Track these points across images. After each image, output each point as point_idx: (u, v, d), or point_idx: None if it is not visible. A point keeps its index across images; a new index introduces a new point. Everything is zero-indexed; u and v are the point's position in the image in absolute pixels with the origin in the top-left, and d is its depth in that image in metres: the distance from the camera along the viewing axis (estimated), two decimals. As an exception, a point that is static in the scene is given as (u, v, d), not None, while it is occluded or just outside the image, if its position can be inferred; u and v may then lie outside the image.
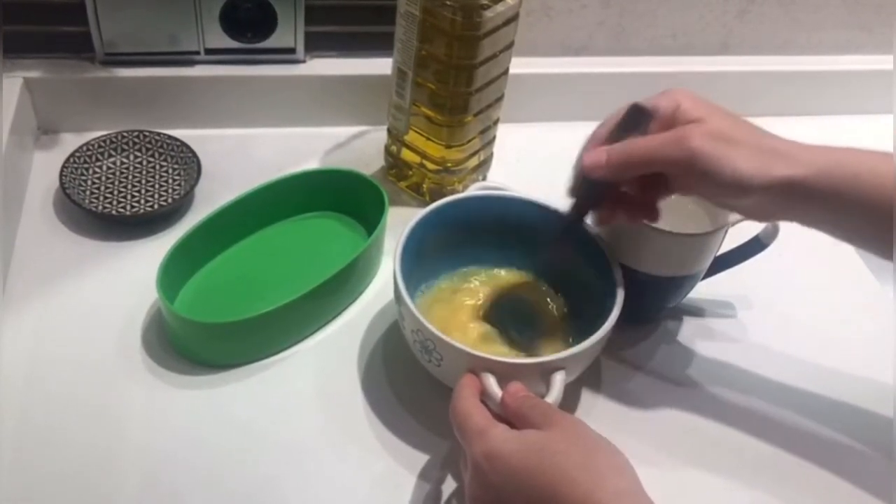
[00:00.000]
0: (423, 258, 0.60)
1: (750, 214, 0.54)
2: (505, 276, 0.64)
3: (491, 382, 0.51)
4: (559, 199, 0.61)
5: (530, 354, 0.59)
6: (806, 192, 0.49)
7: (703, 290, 0.66)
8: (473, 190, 0.63)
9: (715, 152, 0.49)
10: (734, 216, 0.59)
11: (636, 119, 0.52)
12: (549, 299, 0.64)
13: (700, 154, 0.49)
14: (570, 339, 0.60)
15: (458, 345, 0.52)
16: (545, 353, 0.59)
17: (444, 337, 0.52)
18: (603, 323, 0.54)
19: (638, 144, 0.51)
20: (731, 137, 0.49)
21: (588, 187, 0.54)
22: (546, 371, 0.52)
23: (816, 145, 0.51)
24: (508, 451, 0.45)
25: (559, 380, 0.52)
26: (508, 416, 0.49)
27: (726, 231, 0.60)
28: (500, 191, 0.63)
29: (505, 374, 0.51)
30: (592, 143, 0.54)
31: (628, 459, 0.45)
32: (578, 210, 0.56)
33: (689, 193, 0.55)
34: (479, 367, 0.52)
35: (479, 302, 0.63)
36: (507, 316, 0.62)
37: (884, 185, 0.49)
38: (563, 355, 0.52)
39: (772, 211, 0.52)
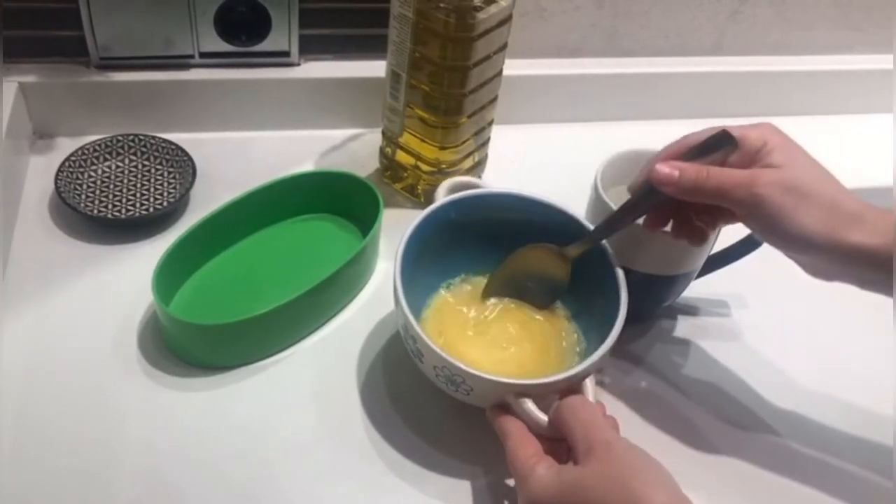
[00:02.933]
0: (418, 270, 0.59)
1: (811, 271, 0.53)
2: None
3: (530, 407, 0.51)
4: (554, 198, 0.61)
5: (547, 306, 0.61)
6: (877, 261, 0.48)
7: (698, 289, 0.66)
8: (444, 189, 0.62)
9: (782, 204, 0.48)
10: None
11: (719, 144, 0.52)
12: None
13: (766, 203, 0.48)
14: (577, 339, 0.61)
15: (491, 377, 0.52)
16: (551, 358, 0.59)
17: (476, 372, 0.51)
18: (613, 321, 0.55)
19: (711, 174, 0.50)
20: (805, 191, 0.48)
21: (649, 193, 0.53)
22: (577, 382, 0.53)
23: (891, 212, 0.49)
24: (549, 497, 0.46)
25: (590, 386, 0.53)
26: (555, 429, 0.50)
27: (720, 229, 0.60)
28: (480, 188, 0.62)
29: (540, 392, 0.52)
30: (668, 153, 0.54)
31: (666, 469, 0.45)
32: (631, 210, 0.55)
33: (754, 232, 0.54)
34: (514, 392, 0.52)
35: (485, 313, 0.62)
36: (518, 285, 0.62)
37: None
38: (588, 363, 0.52)
39: (836, 273, 0.51)
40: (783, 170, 0.49)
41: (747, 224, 0.52)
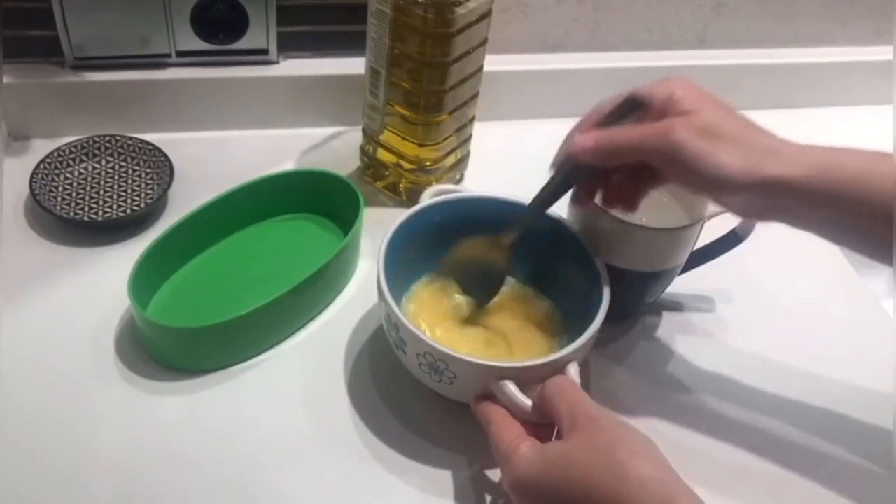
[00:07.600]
0: (400, 268, 0.59)
1: (740, 212, 0.53)
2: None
3: (513, 390, 0.51)
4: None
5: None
6: (800, 193, 0.48)
7: (681, 285, 0.66)
8: (428, 196, 0.61)
9: (699, 147, 0.48)
10: (710, 210, 0.59)
11: (631, 107, 0.52)
12: (532, 296, 0.63)
13: (683, 148, 0.48)
14: (560, 336, 0.60)
15: (474, 359, 0.51)
16: (535, 352, 0.59)
17: (458, 355, 0.51)
18: (596, 312, 0.54)
19: (624, 133, 0.51)
20: (719, 132, 0.48)
21: (572, 167, 0.54)
22: (560, 367, 0.52)
23: (812, 145, 0.50)
24: (534, 474, 0.45)
25: (574, 373, 0.53)
26: (540, 412, 0.49)
27: (702, 225, 0.60)
28: (466, 192, 0.62)
29: (523, 377, 0.51)
30: (585, 124, 0.54)
31: (649, 438, 0.45)
32: (557, 187, 0.56)
33: (677, 185, 0.54)
34: (497, 376, 0.51)
35: (459, 301, 0.62)
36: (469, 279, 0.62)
37: (885, 186, 0.48)
38: (572, 348, 0.53)
39: (763, 210, 0.51)
40: (694, 115, 0.49)
41: (668, 174, 0.51)
